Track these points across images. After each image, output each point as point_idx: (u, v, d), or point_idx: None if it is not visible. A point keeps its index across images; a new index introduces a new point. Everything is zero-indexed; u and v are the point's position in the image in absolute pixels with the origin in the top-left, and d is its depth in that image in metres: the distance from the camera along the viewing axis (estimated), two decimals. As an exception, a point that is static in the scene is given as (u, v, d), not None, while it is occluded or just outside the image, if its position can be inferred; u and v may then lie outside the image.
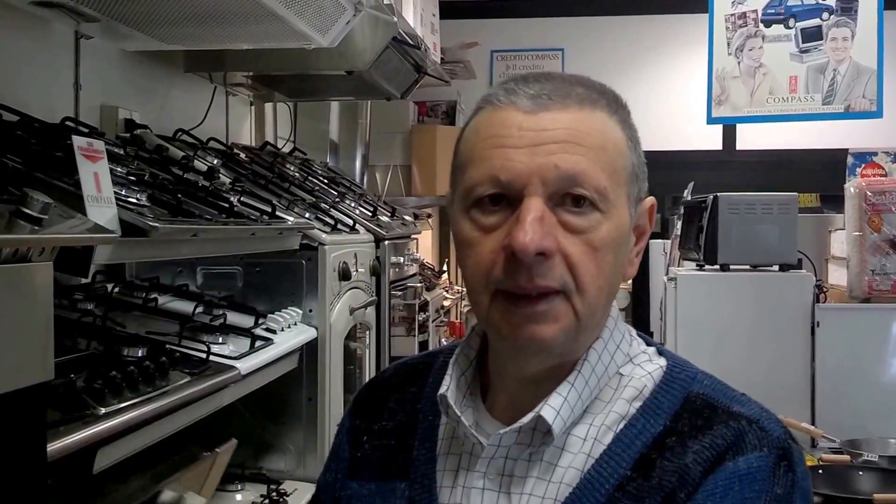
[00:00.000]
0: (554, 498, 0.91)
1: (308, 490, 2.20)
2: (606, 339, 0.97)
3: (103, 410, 1.31)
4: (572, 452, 0.93)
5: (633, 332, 1.03)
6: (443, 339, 4.67)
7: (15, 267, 1.05)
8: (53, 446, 1.16)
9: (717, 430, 0.90)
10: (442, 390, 0.97)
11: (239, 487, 2.11)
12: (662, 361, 0.99)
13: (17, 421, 1.05)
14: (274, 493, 2.10)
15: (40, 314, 1.07)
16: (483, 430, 0.96)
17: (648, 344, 1.02)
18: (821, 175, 5.08)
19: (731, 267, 3.35)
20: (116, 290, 2.01)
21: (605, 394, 0.96)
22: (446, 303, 4.85)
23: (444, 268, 5.54)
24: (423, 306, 3.71)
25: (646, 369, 0.97)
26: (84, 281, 1.95)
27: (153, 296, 1.97)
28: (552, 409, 0.92)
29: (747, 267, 3.38)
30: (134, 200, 1.54)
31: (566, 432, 0.94)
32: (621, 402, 0.95)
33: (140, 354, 1.57)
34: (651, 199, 1.00)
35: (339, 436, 1.10)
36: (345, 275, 2.40)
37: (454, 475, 0.97)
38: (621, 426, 0.93)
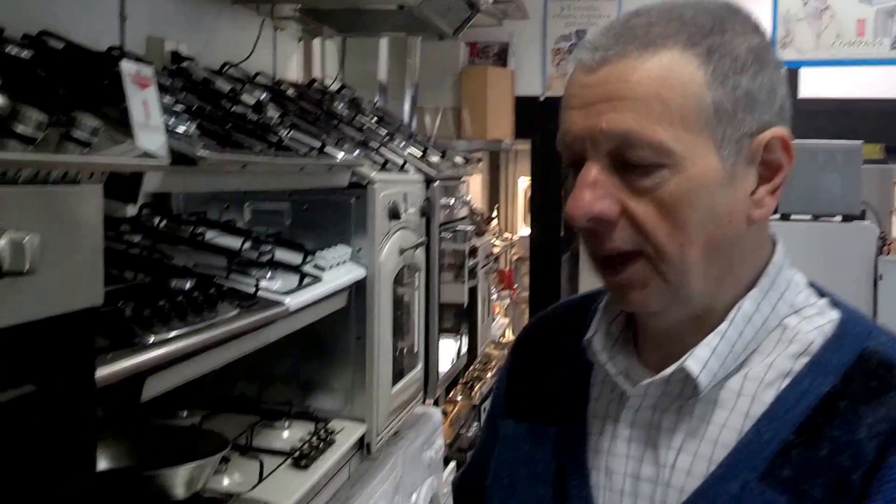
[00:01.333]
0: (708, 457, 0.86)
1: (356, 429, 2.18)
2: (766, 287, 0.90)
3: (152, 339, 1.29)
4: (727, 409, 0.87)
5: (803, 281, 0.94)
6: (491, 287, 4.65)
7: (65, 189, 1.03)
8: (102, 373, 1.14)
9: (894, 399, 0.82)
10: (588, 335, 0.94)
11: (286, 424, 2.10)
12: (835, 314, 0.91)
13: (66, 346, 1.04)
14: (322, 431, 2.08)
15: (90, 237, 1.05)
16: (632, 378, 0.92)
17: (821, 294, 0.94)
18: (887, 126, 4.91)
19: (792, 216, 3.27)
20: (163, 223, 1.98)
21: (764, 347, 0.89)
22: (495, 250, 4.81)
23: (494, 214, 5.49)
24: (473, 252, 3.67)
25: (815, 323, 0.90)
26: (130, 214, 1.93)
27: (200, 230, 1.95)
28: (698, 360, 0.86)
29: (809, 217, 3.29)
30: (182, 130, 1.50)
31: (719, 386, 0.87)
32: (784, 357, 0.88)
33: (188, 286, 1.54)
34: (772, 132, 0.87)
35: (500, 373, 1.09)
36: (394, 214, 2.36)
37: (603, 423, 0.94)
38: (784, 384, 0.86)
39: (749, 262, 0.89)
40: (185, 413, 2.05)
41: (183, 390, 2.14)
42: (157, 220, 1.97)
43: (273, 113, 2.20)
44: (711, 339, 0.87)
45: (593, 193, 0.84)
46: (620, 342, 0.95)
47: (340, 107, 2.94)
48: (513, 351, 1.09)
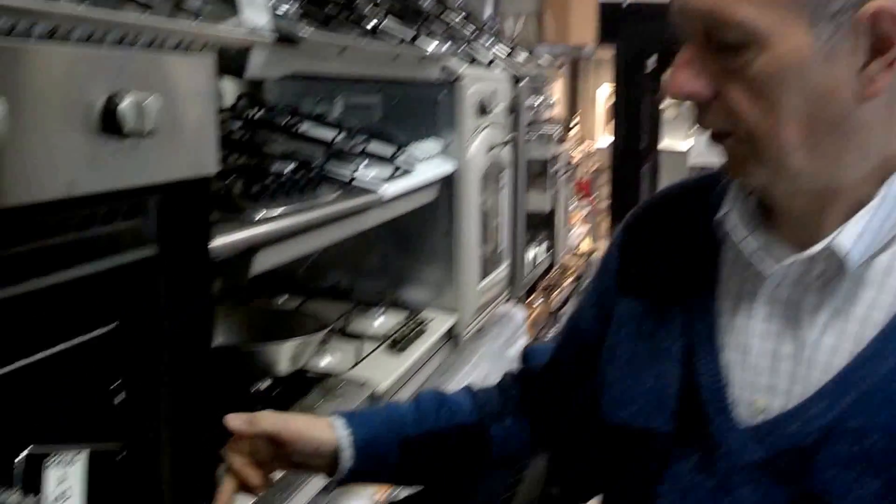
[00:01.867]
0: (855, 336, 0.84)
1: (446, 320, 2.23)
2: None
3: (260, 214, 1.33)
4: (875, 287, 0.84)
5: None
6: (572, 194, 4.63)
7: (180, 57, 1.05)
8: (216, 243, 1.18)
9: None
10: (723, 212, 0.92)
11: (380, 312, 2.15)
12: None
13: (183, 213, 1.07)
14: (414, 320, 2.13)
15: (205, 106, 1.07)
16: (769, 255, 0.89)
17: None
18: None
19: None
20: (259, 114, 2.02)
21: None
22: (574, 159, 4.77)
23: (574, 123, 5.43)
24: (554, 158, 3.66)
25: None
26: (227, 106, 1.97)
27: (295, 120, 1.98)
28: (849, 237, 0.83)
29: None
30: (283, 11, 1.52)
31: (866, 265, 0.85)
32: None
33: (289, 169, 1.57)
34: (876, 5, 0.79)
35: (610, 250, 1.06)
36: (482, 110, 2.36)
37: (736, 301, 0.91)
38: None
39: (882, 141, 0.85)
40: (283, 298, 2.12)
41: (281, 277, 2.21)
42: (253, 110, 2.00)
43: (365, 3, 2.20)
44: (861, 217, 0.84)
45: (686, 73, 0.84)
46: (756, 219, 0.92)
47: (427, 3, 2.91)
48: (626, 229, 1.06)
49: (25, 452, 0.92)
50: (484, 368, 2.51)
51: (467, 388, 1.19)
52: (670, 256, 0.98)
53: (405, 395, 1.95)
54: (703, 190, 1.00)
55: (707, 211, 0.96)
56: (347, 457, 1.07)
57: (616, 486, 0.95)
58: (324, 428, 1.08)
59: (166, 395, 1.06)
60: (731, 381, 0.89)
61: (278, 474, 1.15)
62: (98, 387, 1.07)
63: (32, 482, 0.94)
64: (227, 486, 1.07)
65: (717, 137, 0.86)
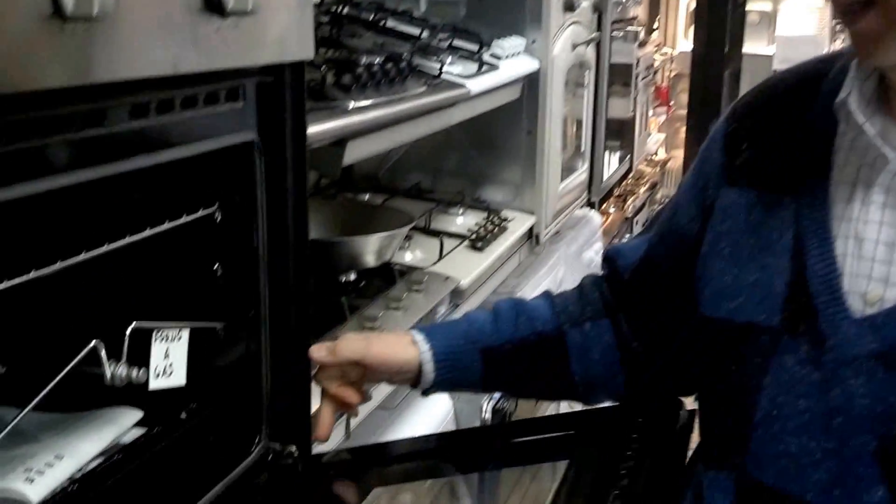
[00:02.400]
0: None
1: (525, 220, 2.22)
2: None
3: (352, 105, 1.33)
4: None
5: None
6: (650, 100, 4.53)
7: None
8: (310, 131, 1.18)
9: None
10: (841, 96, 0.88)
11: (461, 211, 2.16)
12: None
13: (280, 97, 1.07)
14: (494, 219, 2.13)
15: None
16: (891, 141, 0.86)
17: None
18: None
19: None
20: (345, 9, 2.00)
21: None
22: (655, 63, 4.65)
23: (656, 26, 5.28)
24: (636, 62, 3.57)
25: None
26: (315, 2, 1.96)
27: (381, 16, 1.96)
28: None
29: None
30: None
31: None
32: None
33: (378, 61, 1.56)
34: None
35: (712, 141, 1.03)
36: (568, 7, 2.30)
37: (850, 188, 0.89)
38: None
39: None
40: (367, 196, 2.13)
41: (364, 177, 2.23)
42: (340, 6, 1.98)
43: None
44: None
45: None
46: (874, 104, 0.88)
47: None
48: (733, 117, 1.02)
49: (132, 327, 0.95)
50: (560, 271, 2.51)
51: (546, 294, 1.18)
52: (781, 144, 0.95)
53: (486, 292, 1.96)
54: (816, 75, 0.96)
55: (819, 97, 0.93)
56: (429, 370, 1.09)
57: (715, 383, 0.94)
58: (405, 346, 1.09)
59: (264, 277, 1.08)
60: (843, 272, 0.86)
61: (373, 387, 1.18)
62: (200, 267, 1.09)
63: (139, 356, 0.98)
64: (325, 409, 1.10)
65: (852, 13, 0.81)
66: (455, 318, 1.17)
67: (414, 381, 1.11)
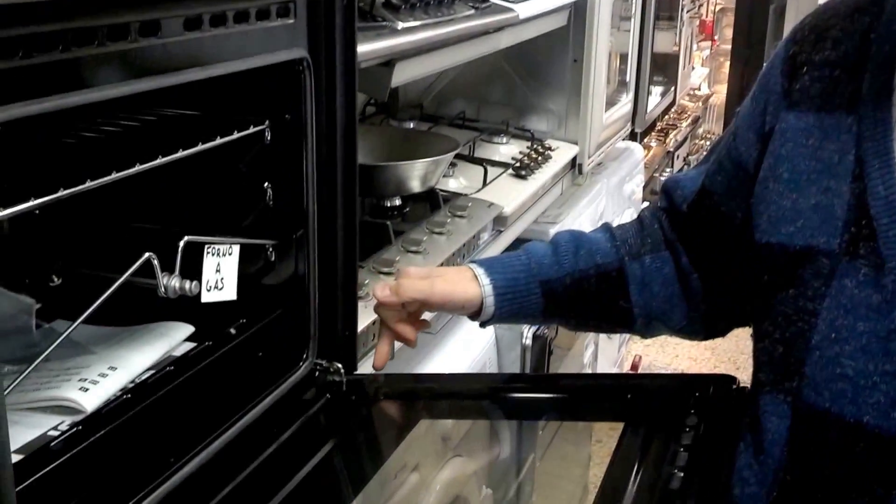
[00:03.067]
0: None
1: (569, 150, 2.20)
2: None
3: (401, 25, 1.31)
4: None
5: None
6: (694, 34, 4.43)
7: None
8: (362, 49, 1.16)
9: None
10: None
11: (504, 140, 2.14)
12: None
13: (331, 15, 1.05)
14: (538, 148, 2.11)
15: None
16: None
17: None
18: None
19: None
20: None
21: None
22: (700, -6, 4.54)
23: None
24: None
25: None
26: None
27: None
28: None
29: None
30: None
31: None
32: None
33: (426, -17, 1.54)
34: None
35: (771, 65, 1.00)
36: (618, -67, 2.25)
37: None
38: None
39: None
40: (411, 124, 2.12)
41: (409, 106, 2.21)
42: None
43: None
44: None
45: None
46: None
47: None
48: (793, 40, 0.99)
49: (184, 241, 0.96)
50: (601, 203, 2.49)
51: (605, 227, 1.17)
52: (842, 66, 0.92)
53: (528, 220, 1.95)
54: None
55: (882, 16, 0.90)
56: (490, 304, 1.09)
57: (772, 309, 0.93)
58: (467, 284, 1.09)
59: (312, 197, 1.08)
60: None
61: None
62: (251, 186, 1.09)
63: (191, 271, 0.99)
64: (384, 341, 1.10)
65: None
66: (514, 252, 1.15)
67: (475, 315, 1.11)
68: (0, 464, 0.67)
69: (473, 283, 1.09)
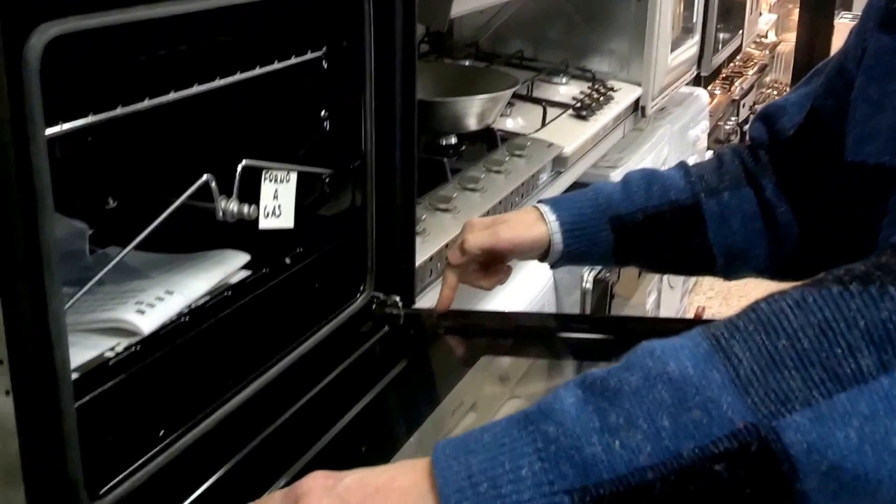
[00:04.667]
0: None
1: (632, 91, 2.15)
2: None
3: (461, -48, 1.28)
4: None
5: None
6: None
7: None
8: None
9: None
10: None
11: (564, 80, 2.09)
12: None
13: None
14: (599, 88, 2.06)
15: None
16: None
17: None
18: None
19: None
20: None
21: None
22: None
23: None
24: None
25: None
26: None
27: None
28: None
29: None
30: None
31: None
32: None
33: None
34: None
35: None
36: None
37: None
38: None
39: None
40: (467, 62, 2.08)
41: (465, 44, 2.17)
42: None
43: None
44: None
45: None
46: None
47: None
48: None
49: (242, 165, 0.95)
50: (664, 149, 2.43)
51: (680, 165, 1.13)
52: None
53: (588, 162, 1.91)
54: None
55: None
56: (558, 241, 1.05)
57: (858, 233, 0.89)
58: (533, 224, 1.06)
59: (370, 127, 1.06)
60: None
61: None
62: (308, 114, 1.08)
63: (249, 196, 0.98)
64: (448, 287, 1.09)
65: None
66: (582, 189, 1.12)
67: (543, 256, 1.09)
68: (60, 378, 0.67)
69: (539, 223, 1.06)
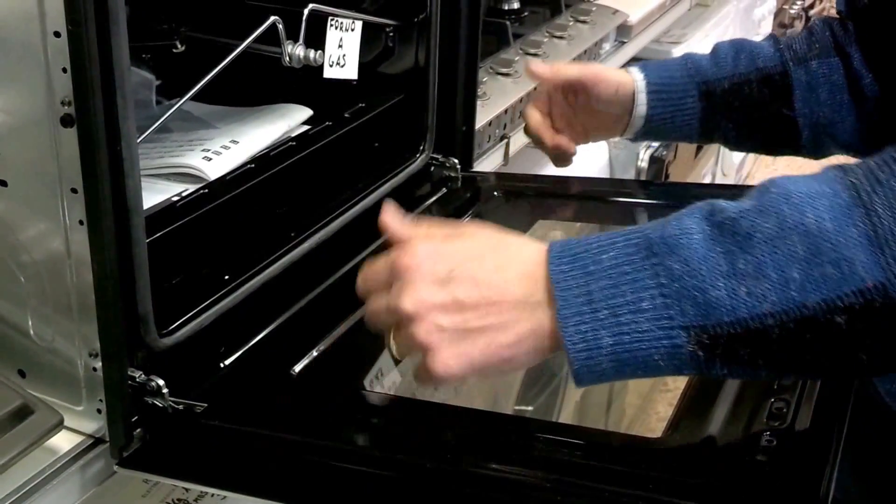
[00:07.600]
0: None
1: None
2: None
3: None
4: None
5: None
6: None
7: None
8: None
9: None
10: None
11: None
12: None
13: None
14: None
15: None
16: None
17: None
18: None
19: None
20: None
21: None
22: None
23: None
24: None
25: None
26: None
27: None
28: None
29: None
30: None
31: None
32: None
33: None
34: None
35: None
36: None
37: None
38: None
39: None
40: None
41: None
42: None
43: None
44: None
45: None
46: None
47: None
48: None
49: (309, 8, 0.92)
50: (729, 28, 2.35)
51: (770, 35, 1.08)
52: None
53: (650, 35, 1.85)
54: None
55: None
56: (642, 101, 1.01)
57: None
58: (621, 72, 1.03)
59: None
60: None
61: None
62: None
63: (315, 40, 0.96)
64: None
65: None
66: (670, 58, 1.08)
67: (625, 123, 1.05)
68: (132, 207, 0.67)
69: (627, 74, 1.03)
